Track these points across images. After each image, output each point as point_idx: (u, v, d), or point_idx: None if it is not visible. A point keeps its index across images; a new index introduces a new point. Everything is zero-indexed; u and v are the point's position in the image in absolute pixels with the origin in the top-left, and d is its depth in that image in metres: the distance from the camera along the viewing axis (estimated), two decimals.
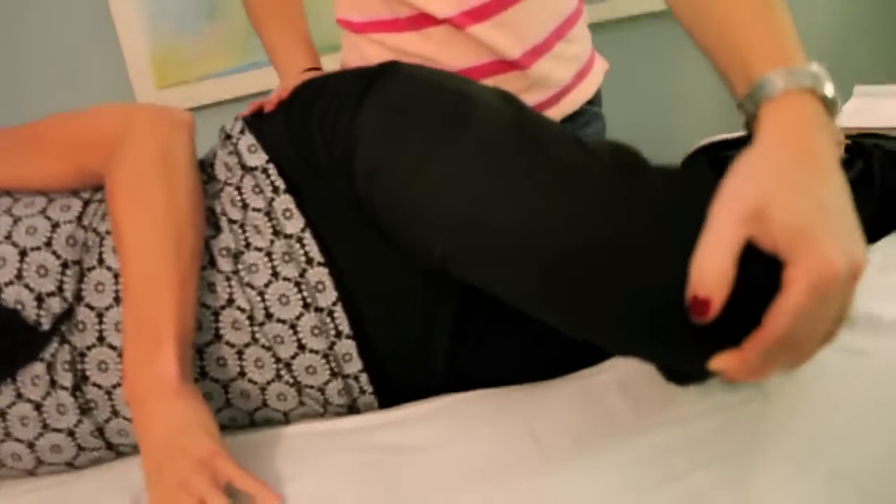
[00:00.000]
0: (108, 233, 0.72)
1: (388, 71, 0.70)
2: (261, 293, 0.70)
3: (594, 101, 0.98)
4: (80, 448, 0.71)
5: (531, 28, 0.88)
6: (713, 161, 0.60)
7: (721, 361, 0.50)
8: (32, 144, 0.76)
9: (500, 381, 0.75)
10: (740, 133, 0.74)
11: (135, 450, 0.73)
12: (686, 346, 0.54)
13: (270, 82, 1.67)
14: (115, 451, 0.73)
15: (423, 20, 0.86)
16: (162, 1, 1.57)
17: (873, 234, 0.88)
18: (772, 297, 0.47)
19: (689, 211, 0.51)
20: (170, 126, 0.73)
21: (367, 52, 0.90)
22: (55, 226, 0.73)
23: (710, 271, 0.48)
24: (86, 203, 0.75)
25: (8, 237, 0.71)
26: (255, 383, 0.71)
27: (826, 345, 0.50)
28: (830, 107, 0.52)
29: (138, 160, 0.70)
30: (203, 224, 0.71)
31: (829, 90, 0.51)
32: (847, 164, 0.90)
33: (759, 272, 0.48)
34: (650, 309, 0.54)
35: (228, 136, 0.77)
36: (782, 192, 0.48)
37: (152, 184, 0.69)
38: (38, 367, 0.68)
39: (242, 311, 0.70)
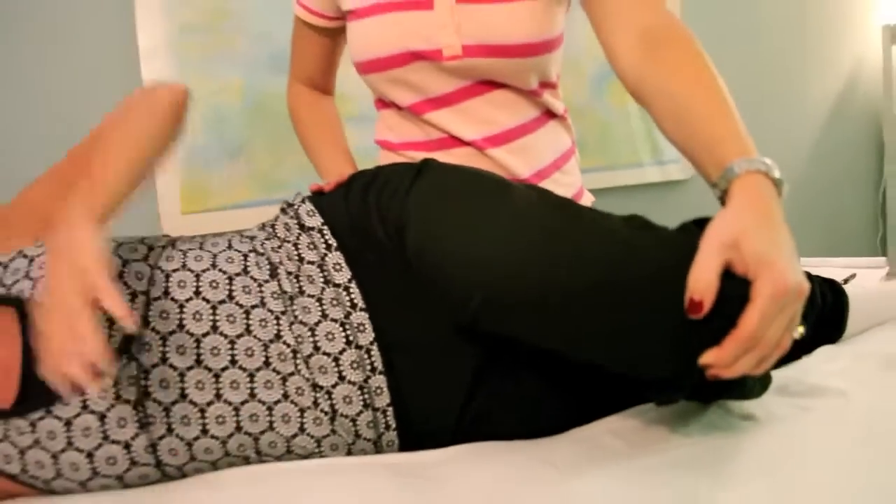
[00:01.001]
0: (173, 271, 0.85)
1: (433, 163, 0.88)
2: (311, 329, 0.82)
3: None
4: (133, 462, 0.78)
5: (537, 156, 1.09)
6: (697, 223, 0.78)
7: (707, 357, 0.65)
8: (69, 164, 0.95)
9: (504, 433, 0.86)
10: None
11: (179, 471, 0.81)
12: (686, 349, 0.68)
13: None
14: (162, 471, 0.80)
15: (449, 142, 1.06)
16: (193, 137, 1.78)
17: (817, 343, 1.05)
18: (743, 307, 0.63)
19: (687, 247, 0.68)
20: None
21: None
22: (125, 262, 0.86)
23: (703, 280, 0.65)
24: (150, 248, 0.89)
25: None
26: (296, 405, 0.81)
27: (780, 352, 0.64)
28: (778, 185, 0.71)
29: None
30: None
31: (777, 174, 0.71)
32: None
33: (734, 288, 0.65)
34: (663, 319, 0.69)
35: (290, 205, 0.93)
36: (750, 231, 0.66)
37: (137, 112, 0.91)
38: (105, 380, 0.78)
39: (288, 345, 0.82)
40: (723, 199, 0.72)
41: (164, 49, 1.75)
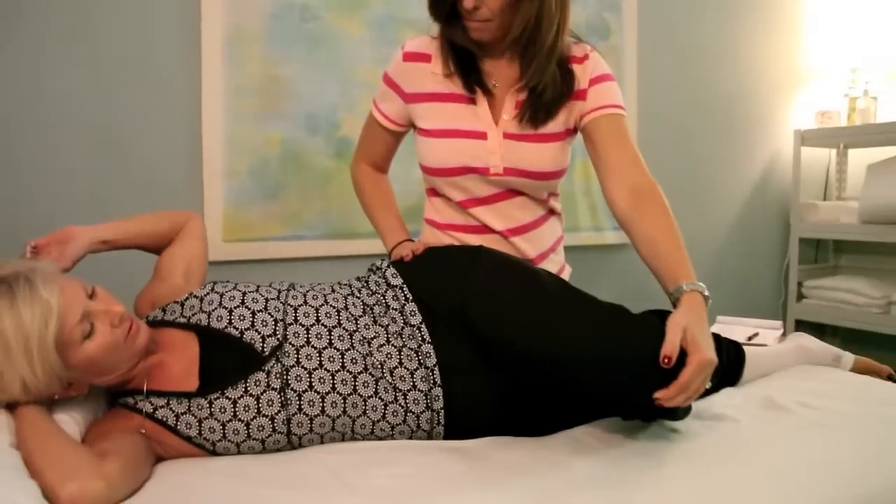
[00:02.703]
0: (298, 306, 1.25)
1: (484, 250, 1.30)
2: (399, 350, 1.22)
3: None
4: (274, 430, 1.16)
5: (541, 242, 1.53)
6: (656, 314, 1.21)
7: (658, 393, 1.08)
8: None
9: (515, 431, 1.27)
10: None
11: (299, 440, 1.19)
12: (646, 387, 1.09)
13: (306, 251, 2.28)
14: (289, 439, 1.18)
15: (483, 229, 1.49)
16: (238, 180, 2.12)
17: (721, 385, 1.51)
18: (681, 368, 1.07)
19: (653, 325, 1.12)
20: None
21: (445, 241, 1.51)
22: (266, 300, 1.25)
23: (673, 346, 1.07)
24: (279, 291, 1.28)
25: (243, 303, 1.23)
26: (382, 400, 1.21)
27: (697, 394, 1.08)
28: (707, 299, 1.17)
29: None
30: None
31: (706, 293, 1.17)
32: None
33: (680, 356, 1.08)
34: (637, 366, 1.10)
35: (378, 268, 1.33)
36: (691, 324, 1.10)
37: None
38: (261, 375, 1.17)
39: (377, 359, 1.22)
40: (674, 304, 1.17)
41: (221, 106, 2.09)
